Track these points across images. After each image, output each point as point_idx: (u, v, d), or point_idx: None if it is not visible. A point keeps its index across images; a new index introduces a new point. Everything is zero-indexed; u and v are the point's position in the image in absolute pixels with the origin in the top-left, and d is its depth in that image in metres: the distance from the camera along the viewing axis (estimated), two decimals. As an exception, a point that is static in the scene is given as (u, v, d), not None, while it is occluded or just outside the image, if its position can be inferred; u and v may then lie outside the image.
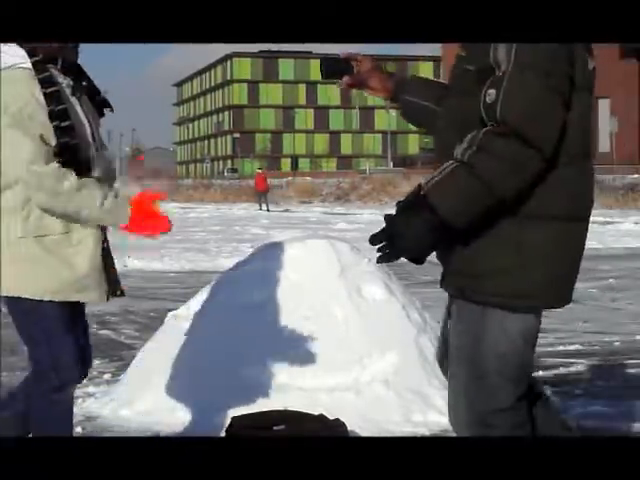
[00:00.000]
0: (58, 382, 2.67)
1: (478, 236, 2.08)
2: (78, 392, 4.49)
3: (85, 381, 4.68)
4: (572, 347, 5.72)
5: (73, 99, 2.67)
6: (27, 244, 2.61)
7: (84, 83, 2.72)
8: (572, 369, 5.09)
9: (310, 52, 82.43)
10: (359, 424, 3.70)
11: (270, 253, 4.31)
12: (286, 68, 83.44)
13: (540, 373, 4.95)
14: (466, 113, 2.07)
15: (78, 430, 3.90)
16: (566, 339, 6.00)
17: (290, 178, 46.71)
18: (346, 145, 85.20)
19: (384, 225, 2.03)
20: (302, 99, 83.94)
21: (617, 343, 5.87)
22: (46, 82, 2.58)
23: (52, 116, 2.55)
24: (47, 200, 2.55)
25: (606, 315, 7.09)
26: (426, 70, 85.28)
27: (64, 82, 2.65)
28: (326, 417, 3.49)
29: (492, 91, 2.00)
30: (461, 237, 2.09)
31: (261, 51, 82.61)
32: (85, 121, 2.68)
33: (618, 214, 23.23)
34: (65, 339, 2.67)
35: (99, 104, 2.80)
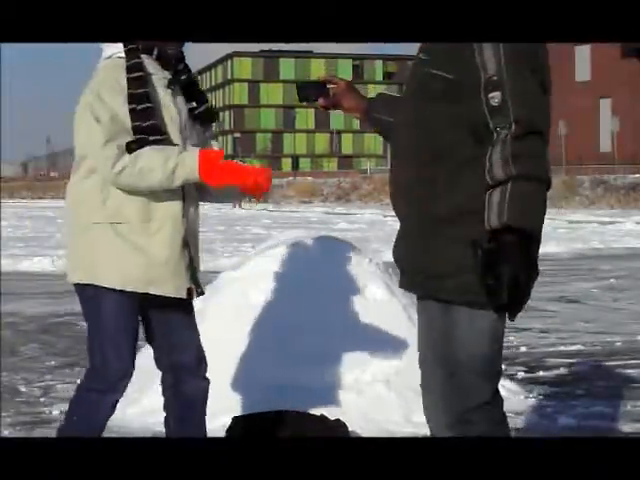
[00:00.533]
0: (103, 384, 2.58)
1: (439, 236, 2.11)
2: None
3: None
4: (573, 347, 5.72)
5: (167, 90, 2.62)
6: (102, 230, 2.54)
7: (183, 77, 2.66)
8: (573, 369, 5.08)
9: (311, 52, 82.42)
10: (360, 424, 3.69)
11: (271, 253, 4.31)
12: (287, 68, 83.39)
13: (541, 373, 4.95)
14: (429, 117, 2.10)
15: None
16: (567, 339, 6.00)
17: (291, 178, 46.72)
18: (347, 145, 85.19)
19: (496, 284, 1.98)
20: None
21: (618, 343, 5.86)
22: (133, 68, 2.56)
23: (131, 99, 2.52)
24: (115, 177, 2.49)
25: (607, 315, 7.08)
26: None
27: (158, 73, 2.61)
28: (327, 417, 3.48)
29: (496, 94, 2.01)
30: (421, 237, 2.14)
31: (262, 51, 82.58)
32: (175, 114, 2.61)
33: (619, 214, 23.18)
34: (122, 337, 2.57)
35: (204, 113, 2.71)
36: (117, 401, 2.63)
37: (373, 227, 19.30)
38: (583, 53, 37.93)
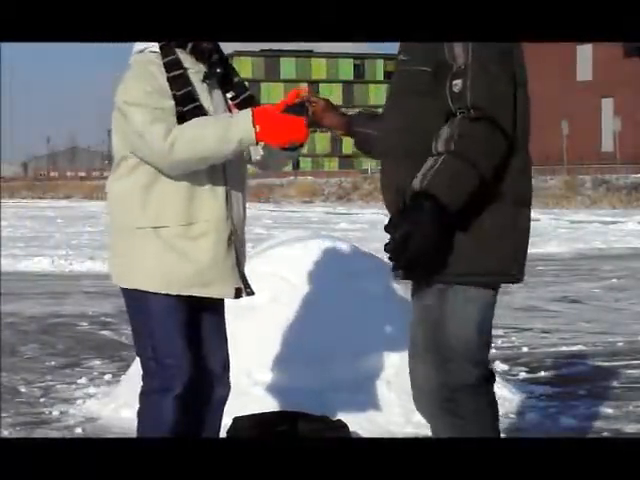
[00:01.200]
0: (159, 383, 2.54)
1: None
2: (79, 393, 4.51)
3: (85, 381, 4.73)
4: (575, 347, 5.70)
5: (203, 85, 2.56)
6: (145, 235, 2.50)
7: (218, 70, 2.60)
8: (575, 370, 5.07)
9: (312, 51, 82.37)
10: (360, 425, 3.69)
11: (271, 253, 4.29)
12: (288, 67, 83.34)
13: (542, 374, 4.93)
14: (418, 113, 2.21)
15: (78, 431, 3.89)
16: (569, 339, 5.99)
17: (291, 178, 46.68)
18: (348, 145, 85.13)
19: (393, 233, 2.11)
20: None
21: (620, 344, 5.84)
22: (171, 65, 2.51)
23: (175, 100, 2.47)
24: (168, 153, 2.40)
25: (609, 315, 7.06)
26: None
27: (194, 67, 2.56)
28: (328, 418, 3.48)
29: (458, 81, 2.14)
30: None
31: (262, 50, 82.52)
32: (211, 108, 2.56)
33: (621, 214, 23.12)
34: (172, 336, 2.53)
35: (245, 103, 2.62)
36: (182, 401, 2.57)
37: (374, 227, 19.27)
38: (585, 53, 37.90)
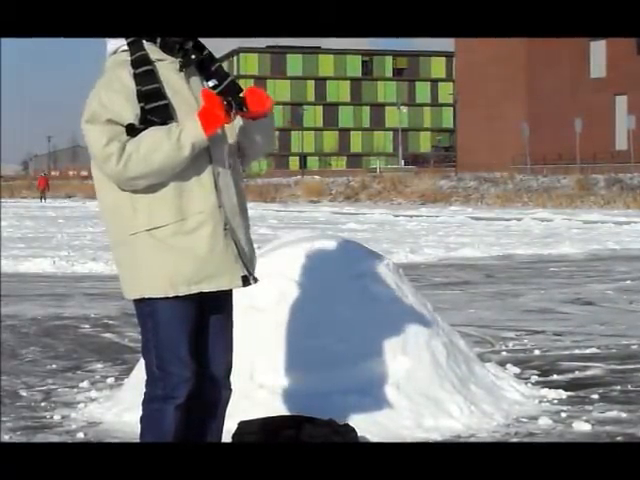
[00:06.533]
0: (163, 391, 2.53)
1: None
2: (80, 397, 4.46)
3: (87, 385, 4.68)
4: (588, 350, 5.64)
5: (179, 74, 2.53)
6: (141, 240, 2.49)
7: (193, 57, 2.55)
8: (588, 373, 5.01)
9: (319, 47, 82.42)
10: (369, 429, 3.65)
11: (277, 254, 4.23)
12: (294, 63, 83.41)
13: (555, 377, 4.87)
14: None
15: (80, 436, 3.86)
16: (582, 342, 5.92)
17: (298, 177, 46.76)
18: (356, 143, 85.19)
19: None
20: (310, 95, 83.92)
21: (634, 346, 5.77)
22: (138, 62, 2.48)
23: (140, 96, 2.45)
24: (123, 171, 2.42)
25: (623, 317, 6.99)
26: (438, 65, 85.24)
27: (167, 58, 2.52)
28: (336, 422, 3.45)
29: None
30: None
31: (268, 46, 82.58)
32: (191, 98, 2.52)
33: (636, 214, 23.08)
34: (180, 343, 2.53)
35: (228, 89, 2.56)
36: (185, 410, 2.56)
37: (383, 227, 19.26)
38: (598, 49, 37.78)
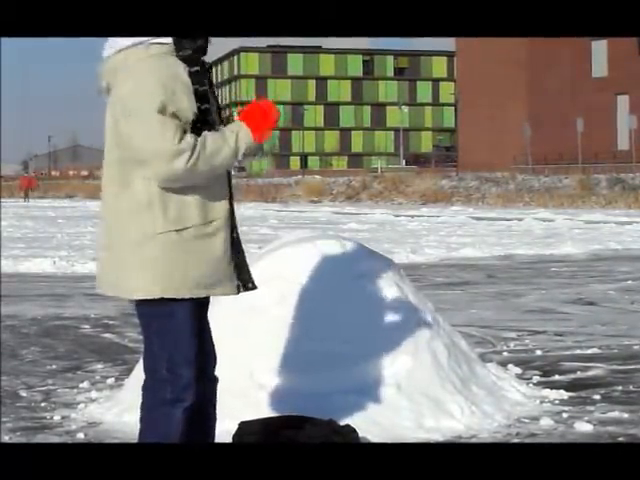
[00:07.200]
0: (172, 394, 2.52)
1: None
2: (80, 397, 4.45)
3: (87, 385, 4.67)
4: (590, 351, 5.62)
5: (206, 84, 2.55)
6: (167, 239, 2.48)
7: (210, 71, 2.59)
8: (590, 373, 4.99)
9: (320, 47, 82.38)
10: (369, 429, 3.63)
11: (278, 254, 4.22)
12: (295, 63, 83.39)
13: (557, 377, 4.86)
14: None
15: (80, 436, 3.85)
16: (584, 342, 5.90)
17: (299, 177, 46.76)
18: (357, 143, 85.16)
19: None
20: (311, 95, 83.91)
21: (636, 347, 5.75)
22: (193, 61, 2.50)
23: (196, 96, 2.47)
24: (192, 168, 2.42)
25: (625, 318, 6.97)
26: (440, 65, 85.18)
27: (201, 67, 2.54)
28: (336, 422, 3.43)
29: None
30: None
31: (269, 46, 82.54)
32: (213, 108, 2.56)
33: (637, 214, 23.02)
34: (191, 346, 2.53)
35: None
36: (191, 413, 2.55)
37: (384, 227, 19.25)
38: (600, 49, 37.74)
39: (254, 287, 2.65)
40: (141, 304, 2.56)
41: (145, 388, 2.60)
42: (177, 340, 2.52)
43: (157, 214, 2.47)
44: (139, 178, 2.48)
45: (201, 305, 2.58)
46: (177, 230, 2.47)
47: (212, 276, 2.51)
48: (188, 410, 2.53)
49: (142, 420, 2.61)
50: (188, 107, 2.43)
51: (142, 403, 2.61)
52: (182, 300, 2.49)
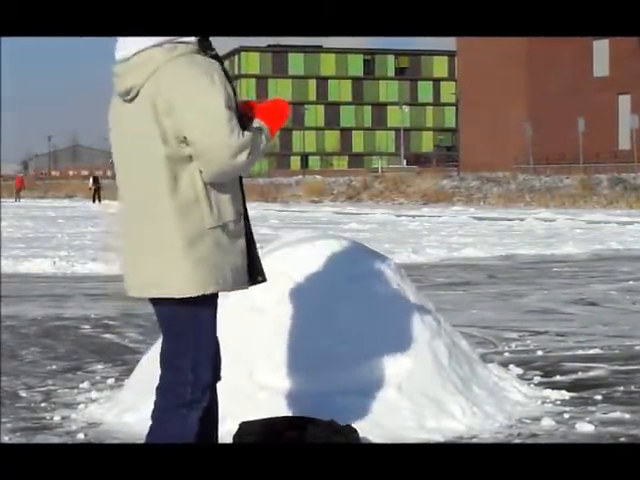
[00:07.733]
0: (192, 396, 2.49)
1: None
2: (81, 397, 4.45)
3: (87, 386, 4.67)
4: (591, 351, 5.62)
5: None
6: (215, 235, 2.49)
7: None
8: (591, 374, 4.99)
9: (320, 46, 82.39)
10: (371, 430, 3.63)
11: (278, 254, 4.21)
12: (295, 63, 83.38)
13: (558, 378, 4.85)
14: None
15: (80, 437, 3.85)
16: (585, 343, 5.90)
17: (300, 177, 46.77)
18: (358, 142, 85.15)
19: None
20: (312, 95, 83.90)
21: (638, 347, 5.75)
22: (220, 59, 2.55)
23: (229, 97, 2.50)
24: (246, 163, 2.47)
25: (626, 318, 6.96)
26: (441, 64, 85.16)
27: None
28: (337, 423, 3.42)
29: None
30: None
31: (270, 45, 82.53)
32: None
33: (639, 214, 22.95)
34: (212, 347, 2.54)
35: None
36: (205, 416, 2.54)
37: (384, 227, 19.25)
38: (601, 48, 37.72)
39: (264, 280, 2.67)
40: (165, 304, 2.50)
41: (160, 387, 2.55)
42: (201, 339, 2.51)
43: (205, 210, 2.48)
44: (186, 175, 2.48)
45: (216, 303, 2.58)
46: (222, 225, 2.50)
47: (238, 271, 2.54)
48: (204, 410, 2.52)
49: (155, 420, 2.54)
50: (235, 103, 2.49)
51: (155, 403, 2.56)
52: (208, 298, 2.49)
